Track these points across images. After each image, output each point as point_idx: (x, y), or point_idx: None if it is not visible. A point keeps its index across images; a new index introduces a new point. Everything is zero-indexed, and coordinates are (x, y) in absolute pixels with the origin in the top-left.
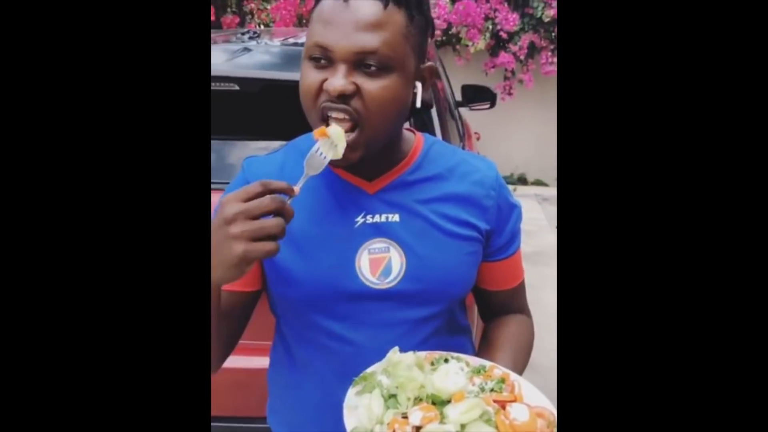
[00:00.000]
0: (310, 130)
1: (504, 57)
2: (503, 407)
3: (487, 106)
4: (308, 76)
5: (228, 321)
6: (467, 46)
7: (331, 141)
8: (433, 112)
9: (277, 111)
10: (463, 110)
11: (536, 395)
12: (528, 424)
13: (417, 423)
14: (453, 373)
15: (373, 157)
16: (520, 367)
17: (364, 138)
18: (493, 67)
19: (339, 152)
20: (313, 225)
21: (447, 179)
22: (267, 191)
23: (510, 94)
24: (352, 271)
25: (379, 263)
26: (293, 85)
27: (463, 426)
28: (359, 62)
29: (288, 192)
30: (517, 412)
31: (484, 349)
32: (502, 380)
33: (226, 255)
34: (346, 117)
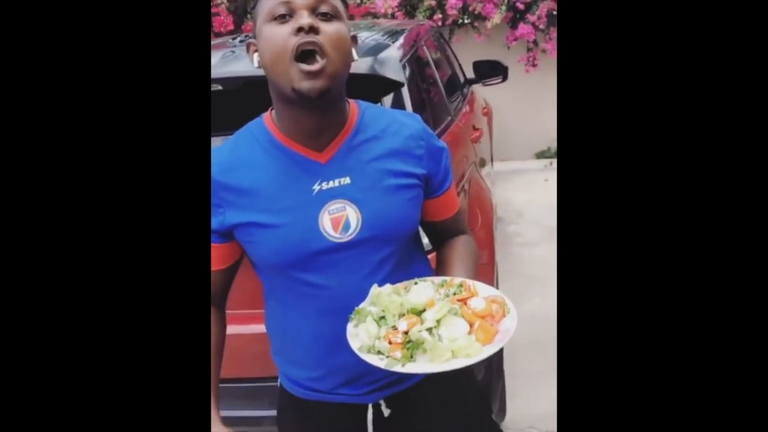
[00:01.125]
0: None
1: (523, 28)
2: (465, 303)
3: (499, 80)
4: (277, 34)
5: (221, 294)
6: (485, 21)
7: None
8: (405, 91)
9: (257, 105)
10: (488, 87)
11: (488, 289)
12: (485, 309)
13: (404, 329)
14: (423, 289)
15: (322, 127)
16: (472, 275)
17: (330, 69)
18: (515, 39)
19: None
20: (278, 200)
21: (382, 138)
22: None
23: (534, 65)
24: (318, 232)
25: (339, 221)
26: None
27: (438, 321)
28: (315, 10)
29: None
30: (476, 303)
31: (441, 269)
32: (461, 285)
33: None
34: (317, 48)
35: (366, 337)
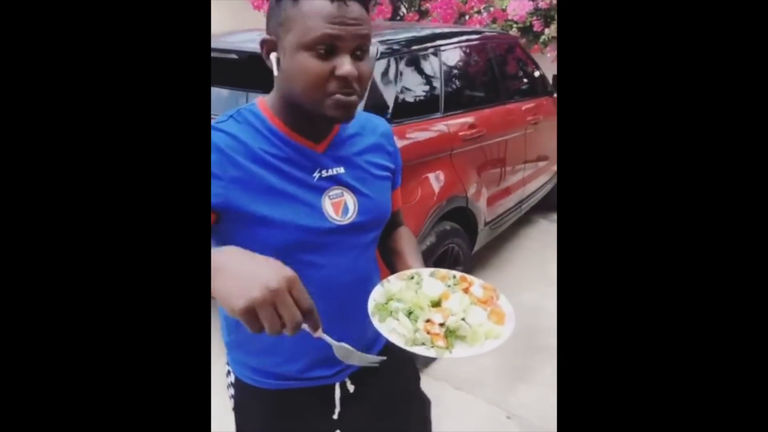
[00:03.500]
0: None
1: None
2: (466, 291)
3: None
4: (314, 68)
5: None
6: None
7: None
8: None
9: (259, 72)
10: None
11: (476, 279)
12: (486, 295)
13: (441, 321)
14: (432, 283)
15: (319, 124)
16: (421, 263)
17: (359, 99)
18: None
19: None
20: (285, 185)
21: (363, 134)
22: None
23: None
24: (321, 214)
25: (339, 205)
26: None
27: (464, 311)
28: (355, 50)
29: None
30: (476, 291)
31: (395, 257)
32: (454, 276)
33: (246, 296)
34: (355, 97)
35: (405, 330)
